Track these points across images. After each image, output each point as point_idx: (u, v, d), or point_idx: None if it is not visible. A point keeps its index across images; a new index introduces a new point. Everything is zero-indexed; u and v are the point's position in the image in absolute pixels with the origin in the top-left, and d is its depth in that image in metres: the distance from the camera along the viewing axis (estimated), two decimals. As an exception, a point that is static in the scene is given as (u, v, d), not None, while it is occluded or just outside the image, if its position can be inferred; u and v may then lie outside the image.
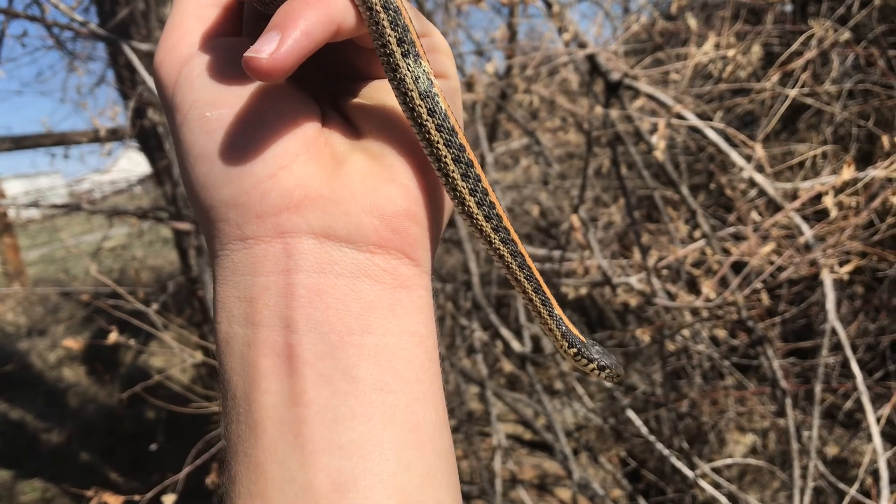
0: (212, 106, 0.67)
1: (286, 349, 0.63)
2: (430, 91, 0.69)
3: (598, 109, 3.57)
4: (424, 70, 0.69)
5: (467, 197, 0.73)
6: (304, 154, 0.67)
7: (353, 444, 0.61)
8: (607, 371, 0.92)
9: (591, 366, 0.91)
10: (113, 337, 3.15)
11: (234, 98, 0.67)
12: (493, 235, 0.77)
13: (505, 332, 3.45)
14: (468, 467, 5.58)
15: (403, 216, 0.68)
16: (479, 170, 0.73)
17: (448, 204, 0.77)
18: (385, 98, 0.76)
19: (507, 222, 0.78)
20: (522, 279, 0.82)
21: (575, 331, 0.90)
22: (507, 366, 4.54)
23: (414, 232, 0.69)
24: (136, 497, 2.87)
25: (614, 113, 3.42)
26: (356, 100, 0.77)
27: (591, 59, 3.23)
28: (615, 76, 3.16)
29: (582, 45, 3.23)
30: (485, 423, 5.34)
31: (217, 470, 3.23)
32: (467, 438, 5.41)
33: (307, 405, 0.61)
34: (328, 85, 0.80)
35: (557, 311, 0.88)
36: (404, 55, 0.68)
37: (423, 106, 0.69)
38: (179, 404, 3.78)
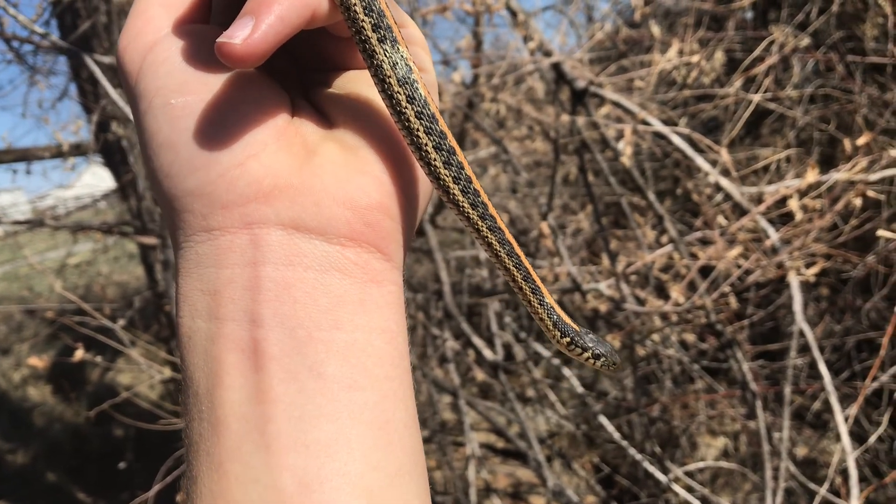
0: (178, 93, 0.65)
1: (252, 344, 0.60)
2: (408, 77, 0.67)
3: (565, 117, 3.58)
4: (402, 56, 0.67)
5: (451, 185, 0.72)
6: (274, 143, 0.65)
7: (320, 444, 0.59)
8: (602, 360, 0.90)
9: (586, 355, 0.89)
10: (79, 354, 3.09)
11: (201, 85, 0.65)
12: (480, 224, 0.76)
13: (477, 340, 3.44)
14: (442, 477, 5.56)
15: (377, 209, 0.66)
16: (462, 157, 0.72)
17: (423, 200, 0.75)
18: (359, 88, 0.74)
19: (493, 210, 0.76)
20: (511, 267, 0.80)
21: (567, 319, 0.87)
22: (480, 374, 4.53)
23: (387, 226, 0.67)
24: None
25: (580, 120, 3.44)
26: (329, 90, 0.75)
27: (556, 67, 3.25)
28: (581, 84, 3.18)
29: (547, 54, 3.24)
30: (458, 432, 5.33)
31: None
32: (441, 448, 5.39)
33: (273, 402, 0.59)
34: (299, 76, 0.79)
35: (548, 299, 0.85)
36: (381, 41, 0.66)
37: (402, 93, 0.67)
38: (148, 422, 3.72)
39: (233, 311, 0.62)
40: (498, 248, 0.78)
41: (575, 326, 0.88)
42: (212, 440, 0.60)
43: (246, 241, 0.62)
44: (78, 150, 5.13)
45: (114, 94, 1.71)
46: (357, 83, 0.75)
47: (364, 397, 0.62)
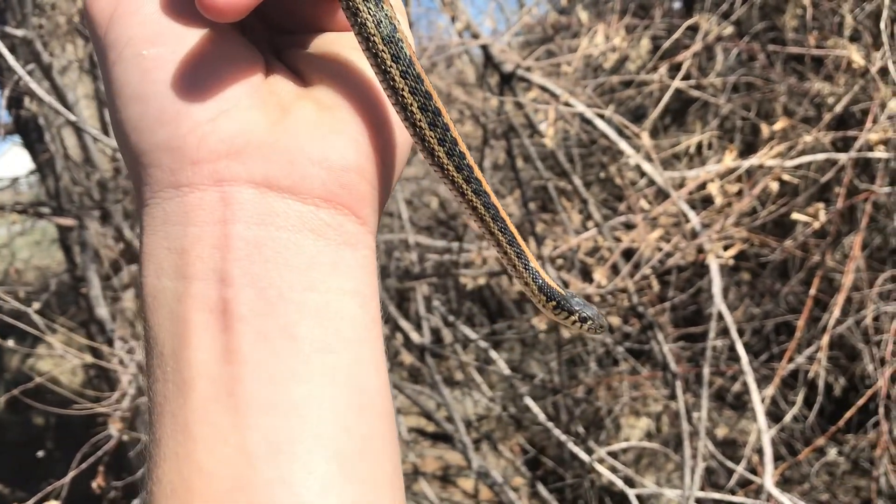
0: (150, 43, 0.62)
1: (220, 304, 0.58)
2: (393, 36, 0.65)
3: (493, 101, 3.59)
4: (386, 14, 0.65)
5: (436, 146, 0.70)
6: (248, 100, 0.63)
7: (291, 405, 0.57)
8: (590, 322, 0.88)
9: (573, 318, 0.88)
10: (-9, 339, 2.98)
11: (175, 37, 0.62)
12: (465, 186, 0.74)
13: (405, 324, 3.43)
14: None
15: (353, 171, 0.64)
16: (447, 118, 0.70)
17: (399, 164, 0.73)
18: (338, 49, 0.72)
19: (478, 173, 0.75)
20: (496, 231, 0.79)
21: (552, 283, 0.86)
22: (408, 358, 4.53)
23: (362, 188, 0.65)
24: (16, 505, 2.73)
25: (508, 104, 3.45)
26: (305, 51, 0.73)
27: (484, 49, 3.25)
28: (508, 67, 3.19)
29: (475, 36, 3.24)
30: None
31: (103, 473, 3.10)
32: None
33: (242, 363, 0.57)
34: (273, 38, 0.76)
35: (533, 263, 0.84)
36: None
37: (387, 51, 0.65)
38: (70, 409, 3.62)
39: (201, 269, 0.59)
40: (483, 212, 0.77)
41: (560, 290, 0.87)
42: (177, 402, 0.58)
43: (216, 199, 0.60)
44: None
45: (22, 71, 1.64)
46: (335, 44, 0.73)
47: (337, 360, 0.60)
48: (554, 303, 0.87)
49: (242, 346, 0.58)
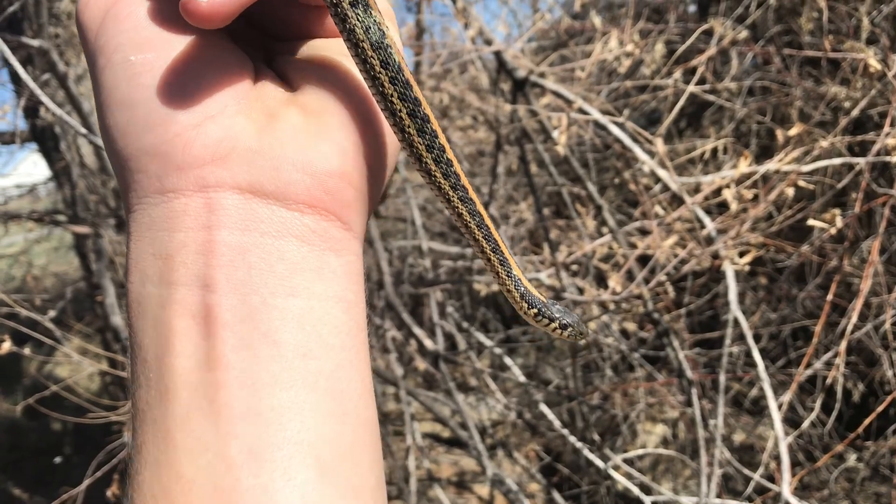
0: (139, 49, 0.63)
1: (204, 310, 0.58)
2: (381, 42, 0.65)
3: (506, 107, 3.58)
4: (375, 20, 0.65)
5: (424, 153, 0.70)
6: (234, 106, 0.63)
7: (272, 412, 0.57)
8: (570, 329, 0.89)
9: (553, 325, 0.88)
10: (6, 346, 2.99)
11: (164, 44, 0.63)
12: (451, 193, 0.75)
13: (418, 330, 3.43)
14: (386, 467, 5.53)
15: (337, 176, 0.64)
16: (435, 125, 0.70)
17: (387, 170, 0.73)
18: (326, 55, 0.72)
19: (465, 180, 0.75)
20: (480, 238, 0.80)
21: (534, 291, 0.87)
22: (422, 364, 4.53)
23: (347, 194, 0.65)
24: (32, 513, 2.74)
25: (521, 110, 3.44)
26: (293, 57, 0.73)
27: (497, 55, 3.24)
28: (521, 73, 3.18)
29: (488, 42, 3.23)
30: (401, 423, 5.32)
31: (118, 481, 3.11)
32: (383, 439, 5.37)
33: (224, 369, 0.57)
34: (263, 44, 0.76)
35: (516, 271, 0.85)
36: (353, 4, 0.64)
37: (376, 58, 0.66)
38: (86, 417, 3.63)
39: (185, 275, 0.59)
40: (468, 219, 0.78)
41: (542, 297, 0.88)
42: (159, 408, 0.58)
43: (200, 205, 0.60)
44: (12, 137, 4.98)
45: (34, 86, 1.64)
46: (323, 50, 0.73)
47: (319, 366, 0.60)
48: (535, 310, 0.87)
49: (225, 351, 0.58)
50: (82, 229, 4.00)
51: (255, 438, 0.56)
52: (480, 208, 0.78)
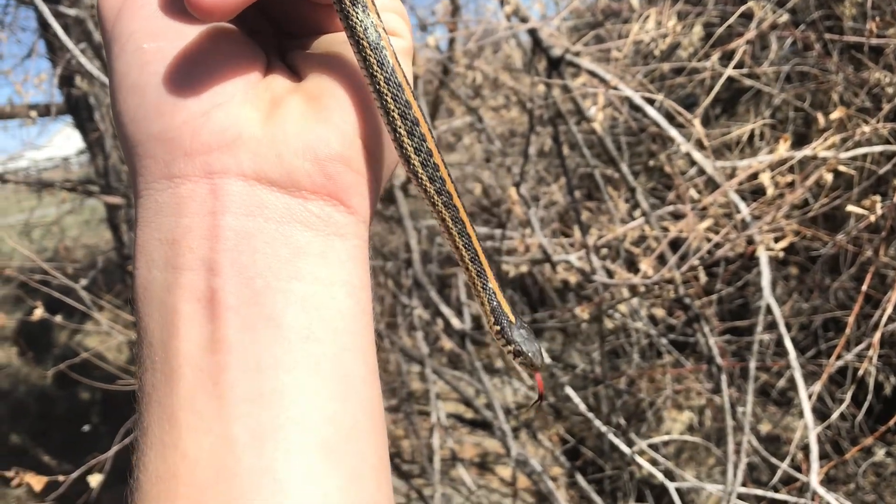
0: (151, 38, 0.64)
1: (208, 293, 0.59)
2: (378, 44, 0.68)
3: (540, 87, 3.55)
4: (372, 22, 0.68)
5: (412, 156, 0.72)
6: (242, 96, 0.64)
7: (275, 394, 0.58)
8: (521, 358, 0.88)
9: (509, 347, 0.88)
10: (38, 313, 3.03)
11: (176, 34, 0.65)
12: (436, 198, 0.76)
13: (445, 309, 3.42)
14: (409, 446, 5.58)
15: (338, 160, 0.65)
16: (425, 129, 0.72)
17: (388, 153, 0.74)
18: (332, 45, 0.74)
19: (451, 187, 0.76)
20: (461, 247, 0.81)
21: (506, 308, 0.87)
22: (448, 344, 4.53)
23: (348, 178, 0.66)
24: (61, 477, 2.78)
25: (555, 90, 3.40)
26: (306, 51, 0.75)
27: (532, 34, 3.21)
28: (557, 52, 3.14)
29: (523, 20, 3.20)
30: (426, 402, 5.34)
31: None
32: (408, 418, 5.40)
33: (228, 352, 0.58)
34: (278, 40, 0.78)
35: (492, 284, 0.85)
36: (353, 3, 0.67)
37: (374, 57, 0.68)
38: (115, 384, 3.68)
39: (190, 260, 0.60)
40: (450, 225, 0.79)
41: (511, 317, 0.87)
42: (164, 390, 0.59)
43: (206, 191, 0.61)
44: (47, 109, 5.03)
45: (74, 48, 1.65)
46: (333, 43, 0.74)
47: (322, 349, 0.61)
48: (498, 327, 0.87)
49: (228, 334, 0.59)
50: (114, 199, 4.03)
51: (258, 420, 0.57)
52: (464, 216, 0.79)
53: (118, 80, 0.65)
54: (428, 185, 0.75)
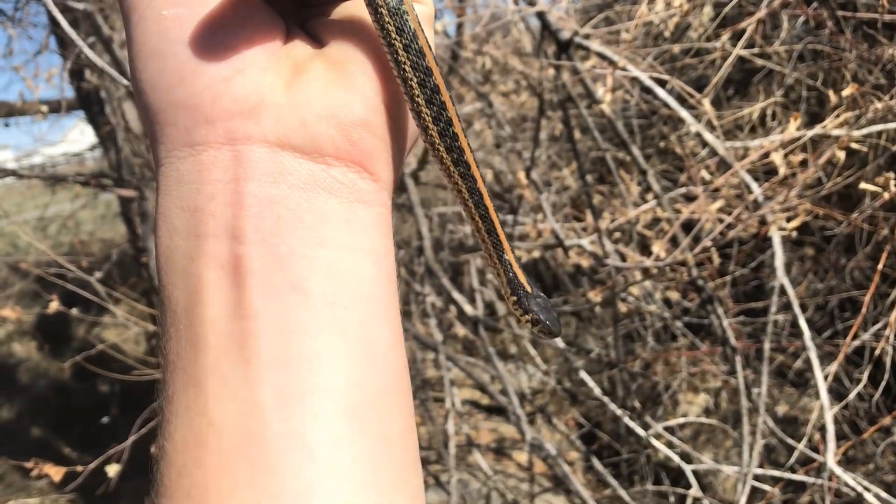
0: (171, 4, 0.63)
1: (232, 260, 0.59)
2: (399, 8, 0.66)
3: (550, 70, 3.53)
4: None
5: (430, 125, 0.71)
6: (264, 62, 0.64)
7: (301, 359, 0.57)
8: (539, 325, 0.89)
9: (526, 317, 0.88)
10: (54, 306, 3.05)
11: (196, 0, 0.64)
12: (452, 168, 0.75)
13: (458, 296, 3.42)
14: (425, 433, 5.59)
15: (361, 126, 0.64)
16: (445, 97, 0.70)
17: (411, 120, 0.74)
18: (355, 12, 0.73)
19: (469, 157, 0.75)
20: (477, 218, 0.80)
21: (522, 279, 0.87)
22: (462, 331, 4.53)
23: (372, 144, 0.65)
24: (79, 468, 2.80)
25: (566, 73, 3.39)
26: (325, 17, 0.74)
27: (541, 17, 3.19)
28: (566, 35, 3.13)
29: (531, 3, 3.18)
30: (441, 388, 5.35)
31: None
32: (423, 405, 5.41)
33: (253, 318, 0.58)
34: (298, 8, 0.77)
35: (508, 255, 0.85)
36: None
37: (392, 23, 0.66)
38: (133, 373, 3.70)
39: (213, 227, 0.60)
40: (466, 196, 0.78)
41: (527, 288, 0.88)
42: (189, 358, 0.59)
43: (229, 157, 0.61)
44: (59, 105, 5.05)
45: (81, 42, 1.65)
46: (353, 9, 0.73)
47: (348, 315, 0.61)
48: (515, 298, 0.88)
49: (254, 301, 0.58)
50: (128, 192, 4.05)
51: (284, 385, 0.56)
52: (482, 188, 0.78)
53: (137, 48, 0.64)
54: (445, 154, 0.74)
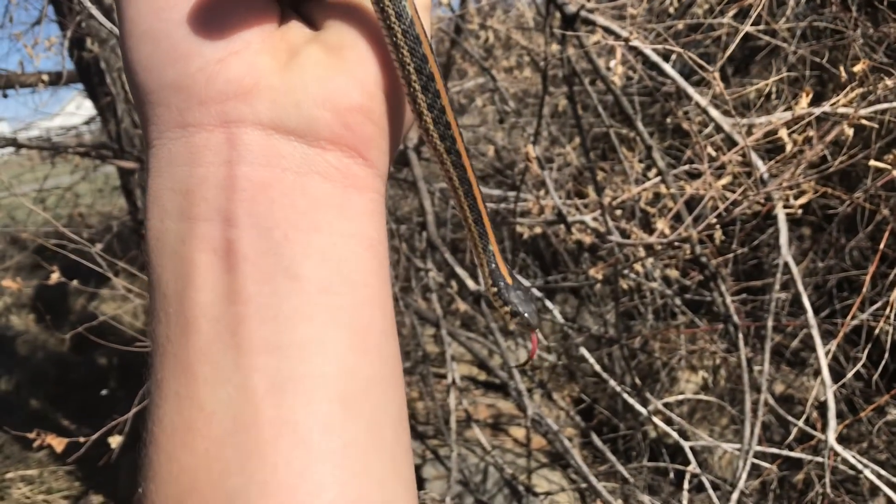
0: None
1: (224, 244, 0.58)
2: None
3: (554, 45, 3.51)
4: None
5: (425, 111, 0.71)
6: (258, 43, 0.63)
7: (293, 345, 0.57)
8: (518, 317, 0.89)
9: (505, 308, 0.89)
10: (55, 277, 3.05)
11: None
12: (445, 156, 0.76)
13: (460, 270, 3.42)
14: (424, 408, 5.62)
15: (357, 111, 0.64)
16: (439, 84, 0.70)
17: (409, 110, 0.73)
18: None
19: (460, 146, 0.76)
20: (465, 207, 0.81)
21: (504, 271, 0.88)
22: (462, 306, 4.54)
23: (368, 130, 0.65)
24: (81, 439, 2.81)
25: (570, 48, 3.37)
26: (320, 2, 0.73)
27: (547, -10, 3.16)
28: (571, 8, 3.10)
29: (538, -24, 3.15)
30: (440, 364, 5.37)
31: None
32: (423, 380, 5.44)
33: (245, 303, 0.57)
34: None
35: (492, 246, 0.86)
36: None
37: (392, 7, 0.66)
38: (134, 345, 3.70)
39: (205, 210, 0.59)
40: (456, 185, 0.79)
41: (508, 280, 0.89)
42: (179, 342, 0.58)
43: (222, 140, 0.60)
44: (59, 77, 5.01)
45: (87, 2, 1.63)
46: None
47: (341, 301, 0.60)
48: (495, 289, 0.88)
49: (246, 285, 0.58)
50: (128, 164, 4.03)
51: (276, 371, 0.56)
52: (472, 177, 0.79)
53: (129, 27, 0.63)
54: (438, 142, 0.74)
